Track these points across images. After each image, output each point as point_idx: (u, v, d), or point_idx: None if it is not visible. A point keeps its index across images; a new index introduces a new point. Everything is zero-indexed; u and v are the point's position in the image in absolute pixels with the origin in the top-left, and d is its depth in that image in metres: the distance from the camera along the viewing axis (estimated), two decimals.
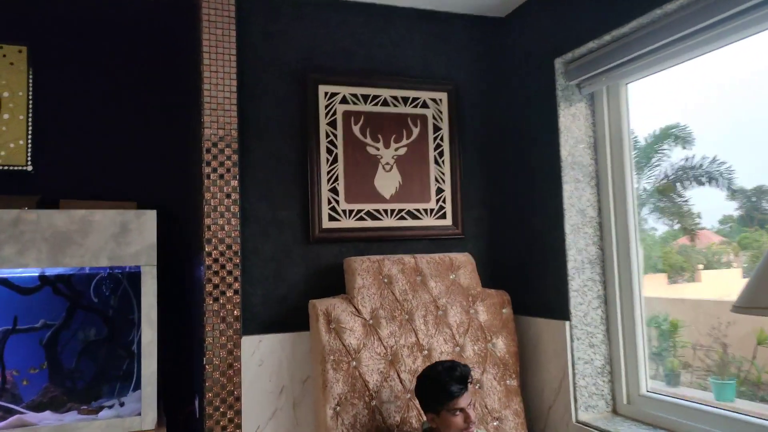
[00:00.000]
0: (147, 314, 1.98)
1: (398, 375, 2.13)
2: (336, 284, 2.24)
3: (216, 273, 2.07)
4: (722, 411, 1.82)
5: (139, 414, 1.95)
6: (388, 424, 2.08)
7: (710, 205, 2.30)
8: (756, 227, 2.47)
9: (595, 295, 2.21)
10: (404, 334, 2.18)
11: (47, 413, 1.95)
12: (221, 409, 2.03)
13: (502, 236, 2.52)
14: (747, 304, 1.22)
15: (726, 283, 2.27)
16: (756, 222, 2.54)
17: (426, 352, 2.19)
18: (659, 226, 2.36)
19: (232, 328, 2.07)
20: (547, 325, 2.26)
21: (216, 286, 2.06)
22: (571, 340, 2.15)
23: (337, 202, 2.32)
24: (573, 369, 2.14)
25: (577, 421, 2.11)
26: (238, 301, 2.08)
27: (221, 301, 2.06)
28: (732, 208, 2.42)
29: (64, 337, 2.09)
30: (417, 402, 2.06)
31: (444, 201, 2.48)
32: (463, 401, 1.82)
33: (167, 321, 2.35)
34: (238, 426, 2.05)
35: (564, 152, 2.21)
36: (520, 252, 2.43)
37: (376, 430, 2.05)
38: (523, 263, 2.41)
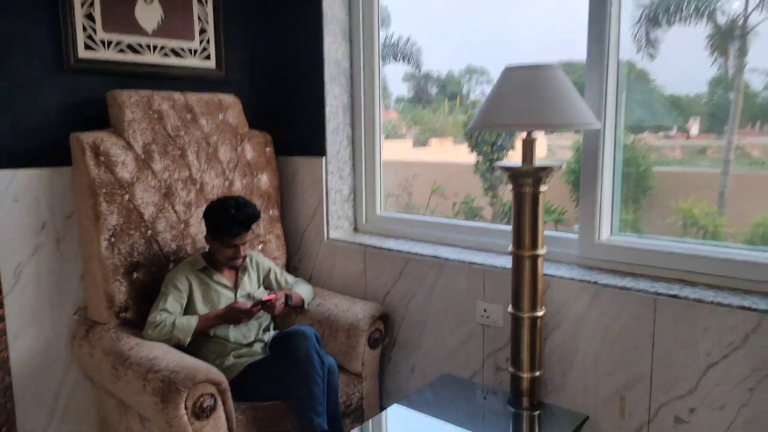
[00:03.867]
0: None
1: (173, 207, 2.23)
2: (98, 118, 2.13)
3: None
4: (424, 218, 2.51)
5: None
6: (165, 251, 2.21)
7: (395, 85, 3.09)
8: (422, 106, 3.33)
9: (345, 136, 2.61)
10: (178, 168, 2.25)
11: None
12: None
13: (266, 80, 2.68)
14: (478, 124, 1.72)
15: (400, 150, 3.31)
16: (422, 102, 3.37)
17: (199, 185, 2.32)
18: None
19: None
20: (305, 162, 2.59)
21: None
22: (327, 173, 2.55)
23: (94, 30, 2.13)
24: (327, 197, 2.56)
25: (328, 239, 2.58)
26: None
27: None
28: (405, 90, 3.23)
29: None
30: (191, 230, 2.23)
31: (208, 42, 2.48)
32: (239, 240, 2.04)
33: None
34: None
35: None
36: (283, 96, 2.65)
37: (154, 257, 2.16)
38: (286, 107, 2.65)
